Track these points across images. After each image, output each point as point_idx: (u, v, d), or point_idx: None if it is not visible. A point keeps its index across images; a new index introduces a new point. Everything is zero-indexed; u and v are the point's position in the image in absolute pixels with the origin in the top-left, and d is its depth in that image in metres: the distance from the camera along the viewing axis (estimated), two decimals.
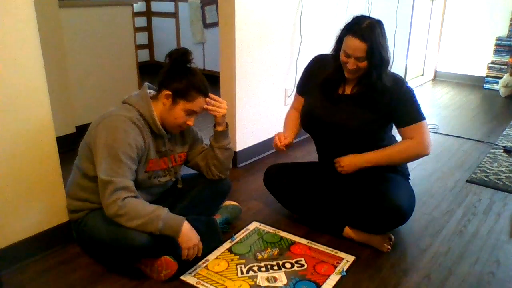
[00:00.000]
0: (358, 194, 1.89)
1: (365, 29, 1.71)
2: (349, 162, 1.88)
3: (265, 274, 1.71)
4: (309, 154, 2.81)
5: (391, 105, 1.82)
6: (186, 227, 1.61)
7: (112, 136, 1.59)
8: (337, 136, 1.92)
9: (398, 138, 1.94)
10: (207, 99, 1.76)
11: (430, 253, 1.89)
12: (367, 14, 3.66)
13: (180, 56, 1.69)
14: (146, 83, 1.77)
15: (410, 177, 2.05)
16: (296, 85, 2.19)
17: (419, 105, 1.87)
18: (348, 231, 1.93)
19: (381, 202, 1.78)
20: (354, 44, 1.72)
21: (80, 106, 3.00)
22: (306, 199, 2.01)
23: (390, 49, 1.84)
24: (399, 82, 1.85)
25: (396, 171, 1.95)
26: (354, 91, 1.88)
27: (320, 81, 1.95)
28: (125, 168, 1.59)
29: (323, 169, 2.05)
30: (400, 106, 1.83)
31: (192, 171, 2.02)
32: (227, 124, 1.89)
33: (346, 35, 1.76)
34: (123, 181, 1.57)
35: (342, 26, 1.81)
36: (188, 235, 1.61)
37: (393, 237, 1.87)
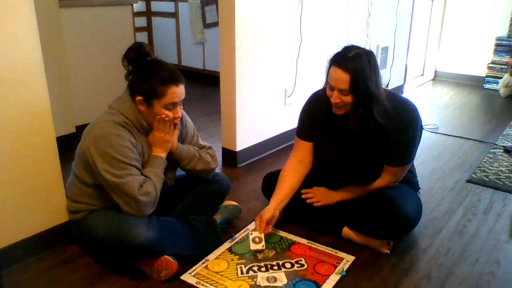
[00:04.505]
0: (364, 199, 1.87)
1: (350, 60, 1.58)
2: (328, 195, 1.90)
3: (265, 274, 1.71)
4: None
5: (390, 138, 1.72)
6: (160, 152, 1.71)
7: (106, 144, 1.57)
8: (351, 176, 1.88)
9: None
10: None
11: (430, 253, 1.89)
12: (367, 14, 3.69)
13: (136, 53, 1.63)
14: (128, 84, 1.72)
15: (419, 191, 2.04)
16: (296, 129, 1.99)
17: (416, 147, 1.80)
18: (347, 232, 1.92)
19: (388, 209, 1.77)
20: (337, 75, 1.60)
21: (80, 106, 3.00)
22: (305, 205, 1.99)
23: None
24: (408, 119, 1.74)
25: (406, 182, 1.93)
26: (354, 132, 1.76)
27: (321, 128, 1.84)
28: (131, 168, 1.59)
29: (321, 174, 2.02)
30: (397, 143, 1.73)
31: None
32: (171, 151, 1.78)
33: (331, 66, 1.64)
34: (134, 180, 1.58)
35: (329, 57, 1.68)
36: (162, 146, 1.71)
37: (391, 241, 1.86)
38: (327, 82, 1.71)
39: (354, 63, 1.58)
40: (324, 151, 1.88)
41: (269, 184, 2.08)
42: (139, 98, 1.63)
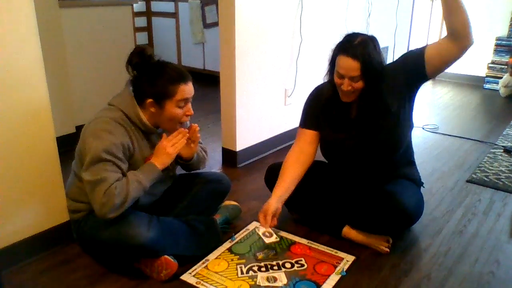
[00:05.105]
0: (366, 193, 1.88)
1: (357, 46, 1.62)
2: None
3: (265, 274, 1.71)
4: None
5: (404, 81, 1.75)
6: (157, 161, 1.66)
7: (97, 138, 1.56)
8: (368, 157, 1.86)
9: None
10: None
11: (430, 253, 1.89)
12: (367, 14, 3.69)
13: (139, 58, 1.63)
14: (128, 80, 1.71)
15: (423, 185, 2.05)
16: (300, 122, 1.99)
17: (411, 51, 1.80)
18: (346, 231, 1.92)
19: (387, 202, 1.77)
20: (347, 63, 1.63)
21: (80, 106, 3.01)
22: (308, 199, 2.00)
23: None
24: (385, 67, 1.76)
25: (409, 178, 1.94)
26: (358, 112, 1.79)
27: (325, 116, 1.86)
28: (112, 166, 1.56)
29: (332, 169, 2.02)
30: (407, 66, 1.74)
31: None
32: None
33: (338, 55, 1.67)
34: (112, 176, 1.55)
35: (333, 46, 1.72)
36: (161, 157, 1.66)
37: (391, 239, 1.87)
38: (332, 71, 1.75)
39: (362, 49, 1.62)
40: (335, 136, 1.88)
41: (274, 176, 2.08)
42: (149, 101, 1.63)
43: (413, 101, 1.84)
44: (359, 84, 1.67)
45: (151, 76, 1.63)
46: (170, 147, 1.67)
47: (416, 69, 1.72)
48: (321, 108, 1.88)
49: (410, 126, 1.88)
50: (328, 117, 1.87)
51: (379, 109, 1.75)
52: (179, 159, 1.83)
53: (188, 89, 1.65)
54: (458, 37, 1.62)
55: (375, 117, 1.77)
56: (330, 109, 1.85)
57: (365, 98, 1.72)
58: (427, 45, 1.74)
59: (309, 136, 1.93)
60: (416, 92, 1.83)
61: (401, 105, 1.78)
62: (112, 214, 1.55)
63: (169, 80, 1.61)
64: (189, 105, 1.70)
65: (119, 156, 1.59)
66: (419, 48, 1.74)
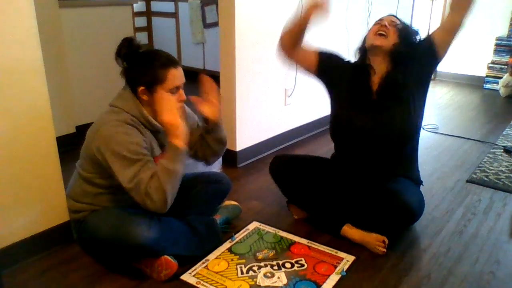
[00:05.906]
0: (368, 192, 1.90)
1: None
2: None
3: (265, 274, 1.71)
4: (317, 150, 2.80)
5: (416, 64, 1.87)
6: (171, 138, 1.59)
7: (115, 143, 1.55)
8: (375, 144, 1.89)
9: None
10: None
11: (430, 253, 1.89)
12: (367, 14, 3.69)
13: (128, 48, 1.65)
14: (126, 80, 1.70)
15: (422, 184, 2.06)
16: (321, 50, 2.03)
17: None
18: (345, 230, 1.92)
19: (390, 199, 1.79)
20: (389, 16, 1.88)
21: (80, 106, 3.01)
22: (310, 195, 1.99)
23: None
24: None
25: (409, 177, 1.97)
26: (379, 90, 1.86)
27: (347, 87, 1.92)
28: (141, 164, 1.55)
29: (336, 166, 2.03)
30: (418, 50, 1.87)
31: (191, 171, 2.03)
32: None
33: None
34: (146, 175, 1.53)
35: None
36: (171, 133, 1.59)
37: (387, 241, 1.86)
38: (363, 44, 1.90)
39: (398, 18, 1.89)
40: (350, 113, 1.91)
41: (279, 166, 2.09)
42: (141, 88, 1.62)
43: (426, 92, 1.93)
44: (394, 32, 1.81)
45: (141, 64, 1.63)
46: (168, 115, 1.59)
47: (426, 50, 1.86)
48: (347, 71, 1.94)
49: (422, 118, 1.94)
50: (350, 88, 1.92)
51: (399, 92, 1.83)
52: (205, 124, 1.80)
53: (178, 74, 1.64)
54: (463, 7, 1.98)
55: (394, 102, 1.83)
56: (355, 79, 1.91)
57: (389, 76, 1.83)
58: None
59: (311, 54, 2.00)
60: (429, 78, 1.95)
61: (417, 91, 1.87)
62: (164, 207, 1.55)
63: (159, 65, 1.61)
64: (181, 90, 1.68)
65: (144, 152, 1.58)
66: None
